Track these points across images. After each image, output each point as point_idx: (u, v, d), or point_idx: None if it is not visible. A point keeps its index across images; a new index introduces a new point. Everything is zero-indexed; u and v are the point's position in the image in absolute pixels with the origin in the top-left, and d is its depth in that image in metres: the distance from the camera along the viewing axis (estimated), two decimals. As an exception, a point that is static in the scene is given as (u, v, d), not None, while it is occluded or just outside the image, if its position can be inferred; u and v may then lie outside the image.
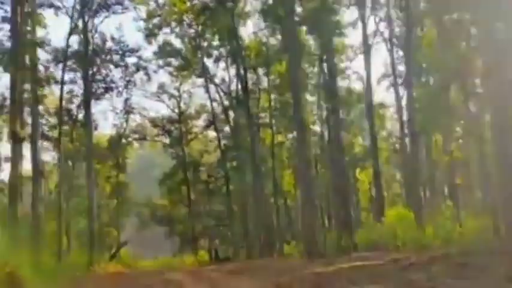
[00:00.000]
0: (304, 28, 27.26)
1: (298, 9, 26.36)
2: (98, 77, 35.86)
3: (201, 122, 41.98)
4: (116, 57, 35.99)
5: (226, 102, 38.82)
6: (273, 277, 13.55)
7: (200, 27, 37.99)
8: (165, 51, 38.17)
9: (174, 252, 45.57)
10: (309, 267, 15.80)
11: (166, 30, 38.33)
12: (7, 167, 18.82)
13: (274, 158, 37.99)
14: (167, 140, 41.23)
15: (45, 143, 35.22)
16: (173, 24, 38.31)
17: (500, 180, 13.20)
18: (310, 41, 30.46)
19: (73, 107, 34.03)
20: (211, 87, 38.68)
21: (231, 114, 38.65)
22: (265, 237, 29.23)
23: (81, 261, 27.57)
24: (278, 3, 20.96)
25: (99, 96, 35.28)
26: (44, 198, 33.33)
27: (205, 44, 38.36)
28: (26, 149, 23.68)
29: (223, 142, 39.21)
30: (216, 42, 38.94)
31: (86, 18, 31.47)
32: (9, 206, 20.37)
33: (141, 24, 37.46)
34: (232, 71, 38.77)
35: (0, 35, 26.14)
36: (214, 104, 38.49)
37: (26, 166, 27.95)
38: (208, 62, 38.57)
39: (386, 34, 34.10)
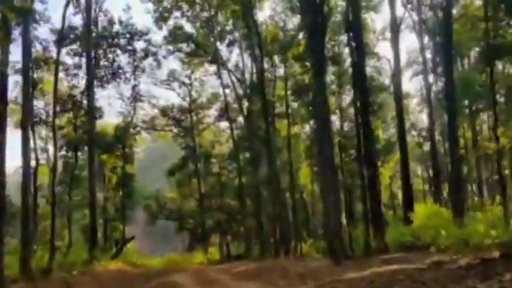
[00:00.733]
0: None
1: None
2: (104, 62, 33.51)
3: (213, 112, 39.43)
4: (123, 41, 33.52)
5: (239, 91, 36.22)
6: (296, 284, 10.94)
7: (213, 10, 35.45)
8: (176, 36, 35.67)
9: (184, 249, 43.33)
10: (337, 271, 13.11)
11: (177, 13, 35.81)
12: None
13: (290, 150, 35.27)
14: (177, 130, 38.71)
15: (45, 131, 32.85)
16: (185, 7, 35.78)
17: None
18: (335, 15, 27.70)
19: (77, 92, 31.51)
20: (224, 74, 36.13)
21: (245, 103, 36.04)
22: (281, 234, 26.52)
23: (80, 258, 25.29)
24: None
25: (105, 82, 32.84)
26: (42, 189, 31.22)
27: (218, 28, 35.77)
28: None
29: (236, 132, 36.61)
30: (229, 27, 36.41)
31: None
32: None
33: (150, 6, 34.94)
34: (247, 57, 36.27)
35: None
36: (227, 92, 35.84)
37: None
38: (221, 48, 36.05)
39: (415, 17, 31.28)
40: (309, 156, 38.85)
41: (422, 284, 9.31)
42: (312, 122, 32.56)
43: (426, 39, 32.76)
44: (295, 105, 38.53)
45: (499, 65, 29.76)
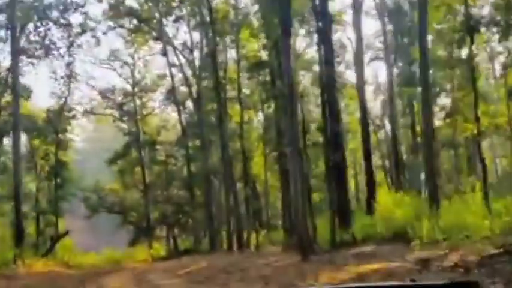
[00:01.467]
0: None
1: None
2: (35, 37, 29.62)
3: (158, 95, 36.17)
4: (55, 14, 29.74)
5: (188, 72, 33.26)
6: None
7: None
8: (117, 10, 32.15)
9: (128, 244, 39.95)
10: (306, 270, 10.80)
11: (118, -16, 32.29)
12: None
13: (243, 137, 32.77)
14: (118, 115, 35.19)
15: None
16: (127, -22, 32.35)
17: None
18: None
19: (1, 69, 27.51)
20: (171, 54, 33.02)
21: (194, 85, 33.17)
22: (234, 226, 24.08)
23: (4, 258, 21.75)
24: None
25: (35, 58, 28.97)
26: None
27: (164, 2, 32.55)
28: None
29: (184, 117, 33.70)
30: (176, 2, 33.30)
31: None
32: None
33: (88, -25, 31.19)
34: (196, 35, 33.33)
35: None
36: (174, 72, 32.75)
37: None
38: (168, 24, 32.86)
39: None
40: (264, 144, 36.62)
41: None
42: (267, 105, 30.21)
43: (385, 23, 31.31)
44: (247, 91, 36.10)
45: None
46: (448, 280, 2.11)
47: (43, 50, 29.51)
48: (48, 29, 29.87)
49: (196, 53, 33.12)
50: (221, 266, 14.06)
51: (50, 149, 31.11)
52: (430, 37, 33.04)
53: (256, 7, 29.55)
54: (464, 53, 28.22)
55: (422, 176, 27.04)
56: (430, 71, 17.75)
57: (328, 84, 16.46)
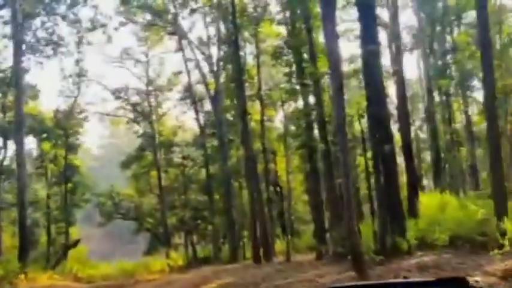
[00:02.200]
0: None
1: None
2: (43, 33, 27.50)
3: (174, 94, 33.73)
4: (63, 8, 27.56)
5: (205, 69, 30.76)
6: None
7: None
8: (129, 4, 29.89)
9: (144, 252, 37.51)
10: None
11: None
12: None
13: (264, 136, 30.10)
14: (133, 116, 32.80)
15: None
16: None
17: None
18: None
19: (6, 67, 25.36)
20: (187, 50, 30.57)
21: (211, 82, 30.68)
22: (257, 233, 21.32)
23: (11, 270, 19.44)
24: None
25: (42, 55, 26.79)
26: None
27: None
28: None
29: (201, 116, 31.19)
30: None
31: None
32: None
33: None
34: (212, 29, 30.84)
35: None
36: (190, 67, 30.23)
37: None
38: (183, 18, 30.41)
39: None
40: (285, 143, 33.93)
41: None
42: (290, 99, 27.37)
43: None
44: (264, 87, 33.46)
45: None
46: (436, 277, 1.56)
47: (51, 46, 27.24)
48: (56, 25, 27.72)
49: (214, 49, 30.67)
50: (251, 281, 11.37)
51: (61, 153, 28.77)
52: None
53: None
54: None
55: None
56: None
57: (372, 63, 13.74)
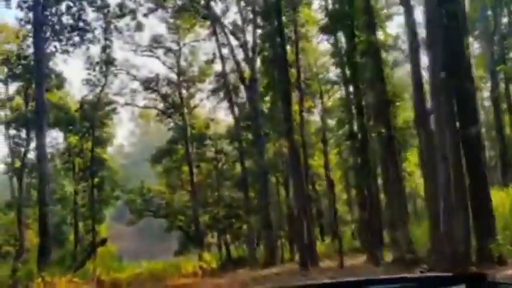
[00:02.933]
0: None
1: None
2: (68, 19, 25.47)
3: (206, 85, 31.33)
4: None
5: (239, 56, 28.17)
6: None
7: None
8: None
9: (176, 251, 35.25)
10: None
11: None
12: None
13: (303, 128, 27.34)
14: (163, 107, 30.55)
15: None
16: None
17: None
18: None
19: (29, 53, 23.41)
20: (221, 36, 28.03)
21: (246, 70, 28.11)
22: (304, 234, 18.51)
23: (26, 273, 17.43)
24: None
25: (67, 43, 24.75)
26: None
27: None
28: None
29: (236, 108, 28.61)
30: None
31: None
32: None
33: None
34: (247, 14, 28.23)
35: None
36: (224, 52, 27.70)
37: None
38: (216, 2, 27.93)
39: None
40: (324, 137, 31.10)
41: None
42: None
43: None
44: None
45: None
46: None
47: (77, 32, 25.19)
48: (82, 10, 25.65)
49: (248, 35, 28.06)
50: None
51: (87, 146, 26.76)
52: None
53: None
54: None
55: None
56: None
57: (451, 29, 10.79)
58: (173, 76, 30.52)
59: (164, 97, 30.05)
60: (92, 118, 25.23)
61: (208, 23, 29.33)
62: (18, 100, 24.10)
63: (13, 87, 24.40)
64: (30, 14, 24.09)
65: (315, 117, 35.05)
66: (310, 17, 29.10)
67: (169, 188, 32.21)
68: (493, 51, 23.01)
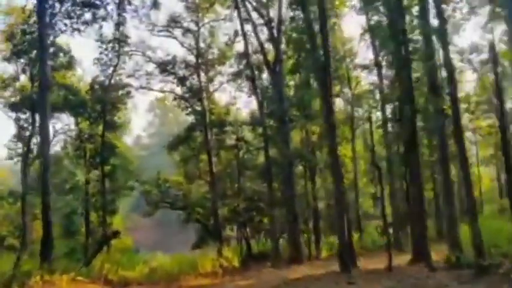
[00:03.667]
0: None
1: None
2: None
3: (227, 68, 28.74)
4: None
5: (262, 37, 25.44)
6: None
7: None
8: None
9: (193, 245, 32.85)
10: None
11: None
12: None
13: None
14: (181, 91, 28.02)
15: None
16: None
17: None
18: None
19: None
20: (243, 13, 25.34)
21: (270, 51, 25.43)
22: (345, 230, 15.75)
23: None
24: None
25: (79, 21, 22.37)
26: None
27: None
28: None
29: (259, 92, 25.88)
30: None
31: None
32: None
33: None
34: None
35: None
36: (247, 28, 24.96)
37: None
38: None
39: None
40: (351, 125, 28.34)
41: None
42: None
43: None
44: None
45: None
46: None
47: (88, 9, 22.79)
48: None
49: (273, 12, 25.32)
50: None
51: (98, 131, 24.42)
52: None
53: None
54: None
55: None
56: None
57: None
58: (191, 58, 28.01)
59: (182, 81, 27.53)
60: (103, 100, 22.84)
61: (228, 1, 26.79)
62: (25, 82, 21.86)
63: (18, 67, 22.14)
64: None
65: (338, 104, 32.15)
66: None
67: (187, 178, 29.78)
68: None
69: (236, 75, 27.60)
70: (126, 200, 38.96)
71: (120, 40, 23.06)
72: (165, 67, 27.27)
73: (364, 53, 54.18)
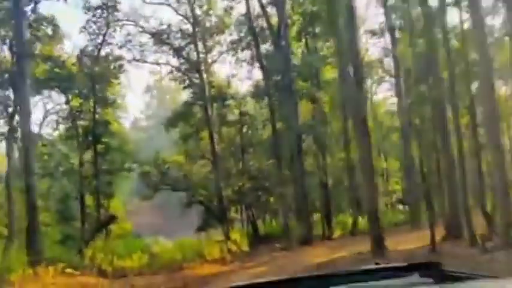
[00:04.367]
0: None
1: None
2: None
3: (227, 37, 26.22)
4: None
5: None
6: None
7: None
8: None
9: (197, 227, 30.75)
10: None
11: None
12: None
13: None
14: (177, 63, 25.56)
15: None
16: None
17: None
18: None
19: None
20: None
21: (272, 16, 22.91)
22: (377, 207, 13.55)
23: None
24: None
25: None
26: None
27: None
28: None
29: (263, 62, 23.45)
30: None
31: None
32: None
33: None
34: None
35: None
36: None
37: None
38: None
39: None
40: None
41: None
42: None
43: None
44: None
45: None
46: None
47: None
48: None
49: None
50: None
51: (89, 107, 21.99)
52: None
53: None
54: None
55: None
56: None
57: None
58: (188, 27, 25.43)
59: (178, 51, 25.03)
60: (92, 73, 20.40)
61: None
62: (6, 55, 19.39)
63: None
64: None
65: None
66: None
67: (188, 158, 27.52)
68: None
69: (237, 43, 25.11)
70: (126, 183, 36.82)
71: (109, 6, 20.51)
72: (159, 37, 24.74)
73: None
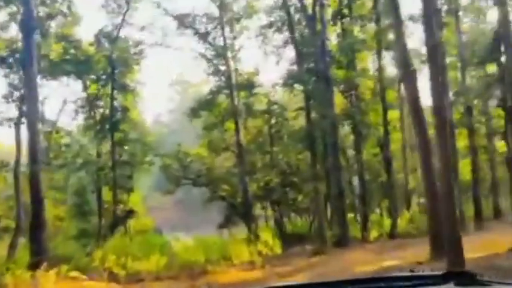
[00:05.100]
0: None
1: None
2: None
3: (255, 21, 23.96)
4: None
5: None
6: None
7: None
8: None
9: (219, 225, 28.57)
10: None
11: None
12: None
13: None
14: (203, 48, 23.35)
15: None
16: None
17: None
18: None
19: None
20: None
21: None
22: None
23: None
24: None
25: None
26: None
27: None
28: None
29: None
30: None
31: None
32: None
33: None
34: None
35: None
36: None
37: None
38: None
39: None
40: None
41: None
42: None
43: None
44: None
45: None
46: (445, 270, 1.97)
47: None
48: None
49: None
50: None
51: (106, 92, 19.97)
52: None
53: None
54: None
55: None
56: None
57: None
58: (214, 11, 23.23)
59: (203, 36, 22.84)
60: (111, 56, 18.37)
61: None
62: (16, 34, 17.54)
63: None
64: None
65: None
66: None
67: (211, 150, 25.34)
68: None
69: (267, 28, 22.77)
70: (147, 178, 35.08)
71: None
72: (183, 20, 22.58)
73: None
